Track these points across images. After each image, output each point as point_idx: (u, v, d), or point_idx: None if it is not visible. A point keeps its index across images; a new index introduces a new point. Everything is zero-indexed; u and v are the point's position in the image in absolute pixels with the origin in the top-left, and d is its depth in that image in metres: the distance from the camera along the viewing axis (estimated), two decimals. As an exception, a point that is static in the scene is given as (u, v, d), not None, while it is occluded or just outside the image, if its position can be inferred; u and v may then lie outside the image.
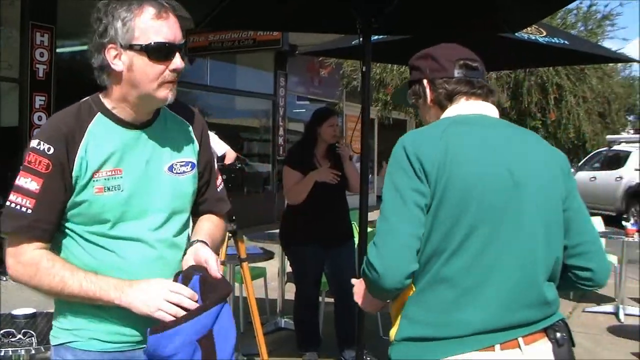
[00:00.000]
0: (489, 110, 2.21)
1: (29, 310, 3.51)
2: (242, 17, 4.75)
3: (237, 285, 6.09)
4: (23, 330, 3.11)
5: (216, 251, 2.21)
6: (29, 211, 1.98)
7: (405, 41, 5.25)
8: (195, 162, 2.25)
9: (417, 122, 16.47)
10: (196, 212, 2.32)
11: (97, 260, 2.04)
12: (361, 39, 4.26)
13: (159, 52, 2.00)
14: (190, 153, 2.24)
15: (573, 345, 2.12)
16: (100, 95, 2.13)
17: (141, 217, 2.08)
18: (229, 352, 1.97)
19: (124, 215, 2.06)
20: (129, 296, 1.96)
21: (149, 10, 2.00)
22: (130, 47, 1.99)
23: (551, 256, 2.07)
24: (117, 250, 2.05)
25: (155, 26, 2.00)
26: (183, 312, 1.92)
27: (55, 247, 2.10)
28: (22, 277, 2.02)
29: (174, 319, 1.91)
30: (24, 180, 2.00)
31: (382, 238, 1.98)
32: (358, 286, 2.30)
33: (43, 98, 9.75)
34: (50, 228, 2.03)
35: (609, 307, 7.99)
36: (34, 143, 2.02)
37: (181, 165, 2.20)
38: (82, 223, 2.06)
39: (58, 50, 10.09)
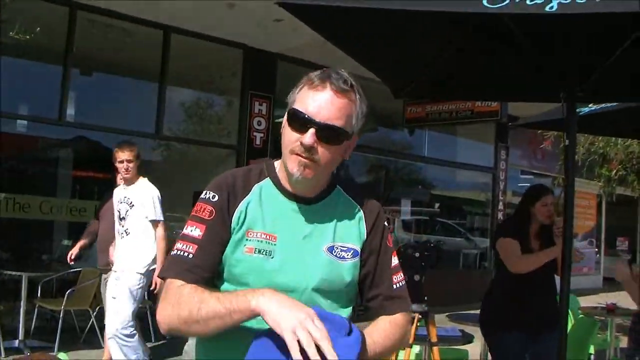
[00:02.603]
0: None
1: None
2: (443, 86, 4.58)
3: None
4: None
5: (378, 352, 1.94)
6: (190, 256, 1.93)
7: (619, 111, 4.81)
8: (359, 250, 2.08)
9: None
10: (370, 314, 2.10)
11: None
12: (565, 109, 3.93)
13: (293, 120, 1.95)
14: (355, 239, 2.08)
15: None
16: (275, 161, 2.12)
17: (286, 292, 1.84)
18: None
19: (268, 285, 1.86)
20: (266, 301, 1.72)
21: (313, 81, 1.96)
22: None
23: None
24: (254, 320, 1.83)
25: (305, 95, 1.96)
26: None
27: None
28: (165, 311, 1.87)
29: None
30: (189, 229, 1.97)
31: None
32: None
33: (259, 166, 10.11)
34: (207, 276, 1.94)
35: None
36: (203, 193, 2.02)
37: (342, 250, 2.04)
38: (226, 282, 1.98)
39: (276, 120, 10.47)
